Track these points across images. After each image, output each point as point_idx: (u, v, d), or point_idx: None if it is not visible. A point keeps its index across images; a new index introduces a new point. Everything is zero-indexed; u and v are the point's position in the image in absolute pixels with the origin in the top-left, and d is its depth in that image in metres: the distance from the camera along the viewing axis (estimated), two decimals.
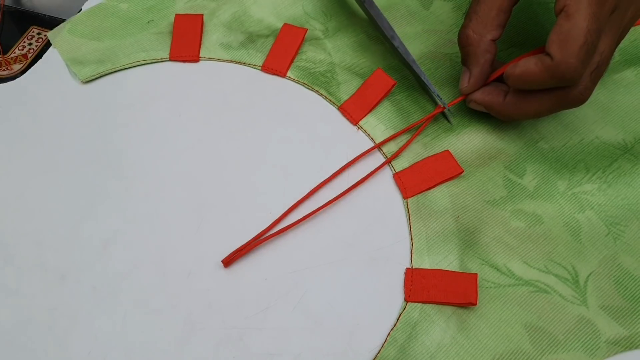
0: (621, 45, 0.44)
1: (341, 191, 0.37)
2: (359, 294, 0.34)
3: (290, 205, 0.36)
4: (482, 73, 0.36)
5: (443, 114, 0.40)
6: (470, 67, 0.37)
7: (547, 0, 0.46)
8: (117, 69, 0.41)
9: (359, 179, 0.37)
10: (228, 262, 0.34)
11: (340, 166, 0.38)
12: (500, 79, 0.37)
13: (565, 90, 0.34)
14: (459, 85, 0.38)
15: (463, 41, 0.36)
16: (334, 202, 0.36)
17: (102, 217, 0.36)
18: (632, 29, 0.45)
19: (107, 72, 0.41)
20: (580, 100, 0.34)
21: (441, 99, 0.38)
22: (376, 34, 0.44)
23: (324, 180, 0.37)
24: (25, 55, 0.43)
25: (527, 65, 0.33)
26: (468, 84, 0.37)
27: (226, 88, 0.41)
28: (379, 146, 0.39)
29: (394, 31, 0.39)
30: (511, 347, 0.32)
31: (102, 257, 0.34)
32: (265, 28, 0.44)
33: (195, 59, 0.42)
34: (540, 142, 0.40)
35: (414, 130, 0.39)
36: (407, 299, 0.33)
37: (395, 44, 0.39)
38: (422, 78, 0.39)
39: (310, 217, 0.36)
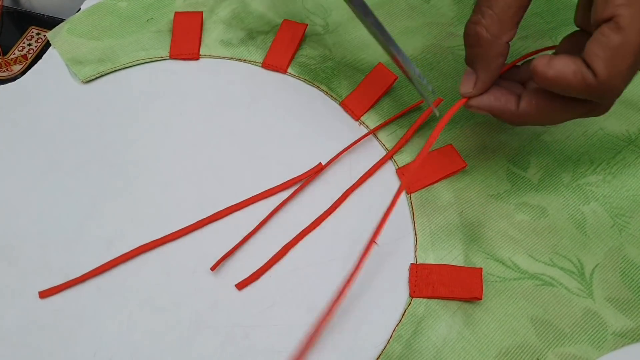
0: None
1: (344, 187, 0.37)
2: (364, 289, 0.34)
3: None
4: (491, 79, 0.31)
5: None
6: (478, 71, 0.31)
7: None
8: (117, 68, 0.41)
9: (362, 174, 0.37)
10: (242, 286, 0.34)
11: (343, 163, 0.38)
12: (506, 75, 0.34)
13: (595, 104, 0.30)
14: (461, 88, 0.32)
15: (472, 40, 0.30)
16: (338, 201, 0.36)
17: (106, 216, 0.36)
18: None
19: (107, 71, 0.41)
20: (605, 112, 0.30)
21: (434, 92, 0.36)
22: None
23: (313, 168, 0.37)
24: (25, 56, 0.43)
25: (564, 71, 0.27)
26: (474, 88, 0.32)
27: (227, 85, 0.41)
28: (373, 132, 0.38)
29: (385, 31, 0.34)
30: (517, 341, 0.32)
31: (106, 257, 0.34)
32: (265, 24, 0.44)
33: (195, 56, 0.42)
34: (544, 134, 0.39)
35: (407, 124, 0.39)
36: (412, 294, 0.33)
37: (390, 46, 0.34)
38: (416, 75, 0.34)
39: (315, 214, 0.36)
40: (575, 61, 0.27)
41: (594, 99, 0.28)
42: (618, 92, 0.28)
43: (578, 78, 0.27)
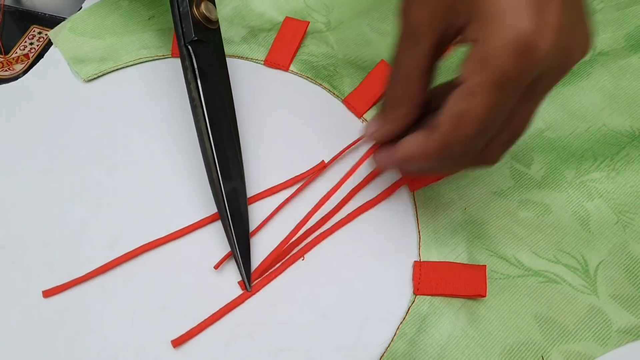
0: (627, 30, 0.44)
1: (347, 186, 0.37)
2: (368, 287, 0.34)
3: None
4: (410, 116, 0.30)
5: None
6: (396, 109, 0.29)
7: None
8: (119, 66, 0.41)
9: (366, 174, 0.37)
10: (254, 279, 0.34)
11: (346, 160, 0.38)
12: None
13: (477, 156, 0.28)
14: (367, 131, 0.31)
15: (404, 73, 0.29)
16: (343, 201, 0.36)
17: (109, 215, 0.36)
18: None
19: (109, 70, 0.41)
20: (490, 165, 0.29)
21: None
22: (379, 25, 0.44)
23: (315, 166, 0.37)
24: (26, 55, 0.43)
25: (409, 146, 0.28)
26: (382, 128, 0.30)
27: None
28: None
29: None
30: (521, 338, 0.32)
31: (109, 256, 0.34)
32: (267, 22, 0.44)
33: None
34: (547, 131, 0.39)
35: None
36: (416, 292, 0.33)
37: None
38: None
39: (319, 211, 0.36)
40: (422, 132, 0.27)
41: (450, 160, 0.27)
42: (466, 149, 0.26)
43: (425, 144, 0.27)
